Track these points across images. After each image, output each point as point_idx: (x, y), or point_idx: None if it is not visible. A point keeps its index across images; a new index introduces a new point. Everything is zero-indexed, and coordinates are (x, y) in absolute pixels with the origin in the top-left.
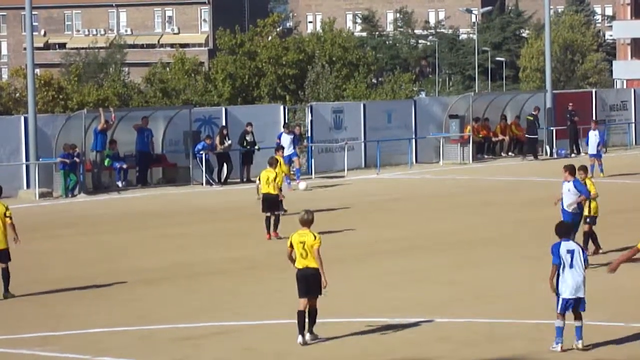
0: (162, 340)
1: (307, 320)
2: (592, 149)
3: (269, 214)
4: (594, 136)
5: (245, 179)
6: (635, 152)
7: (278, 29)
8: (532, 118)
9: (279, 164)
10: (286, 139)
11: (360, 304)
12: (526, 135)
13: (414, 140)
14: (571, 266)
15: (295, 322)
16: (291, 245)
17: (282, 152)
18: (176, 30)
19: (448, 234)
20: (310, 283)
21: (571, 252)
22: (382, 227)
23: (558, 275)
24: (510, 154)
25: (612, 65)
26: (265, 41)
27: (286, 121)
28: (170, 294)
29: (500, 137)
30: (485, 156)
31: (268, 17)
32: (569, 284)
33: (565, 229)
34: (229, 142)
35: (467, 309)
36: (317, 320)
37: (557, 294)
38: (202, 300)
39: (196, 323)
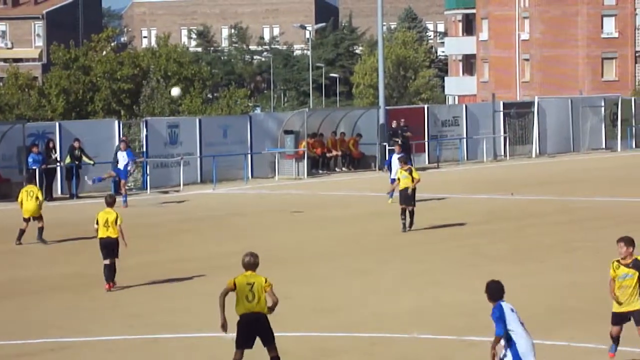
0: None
1: None
2: (394, 173)
3: (108, 262)
4: (397, 160)
5: (74, 196)
6: (467, 167)
7: (112, 44)
8: None
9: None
10: (122, 156)
11: (196, 319)
12: None
13: (249, 156)
14: (522, 324)
15: None
16: (234, 286)
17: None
18: (9, 45)
19: (283, 249)
20: (257, 331)
21: (515, 311)
22: (217, 243)
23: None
24: (344, 169)
25: (444, 81)
26: (99, 56)
27: (121, 136)
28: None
29: (334, 152)
30: (320, 171)
31: (102, 32)
32: (525, 348)
33: (501, 290)
34: (56, 155)
35: (301, 323)
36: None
37: None
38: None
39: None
